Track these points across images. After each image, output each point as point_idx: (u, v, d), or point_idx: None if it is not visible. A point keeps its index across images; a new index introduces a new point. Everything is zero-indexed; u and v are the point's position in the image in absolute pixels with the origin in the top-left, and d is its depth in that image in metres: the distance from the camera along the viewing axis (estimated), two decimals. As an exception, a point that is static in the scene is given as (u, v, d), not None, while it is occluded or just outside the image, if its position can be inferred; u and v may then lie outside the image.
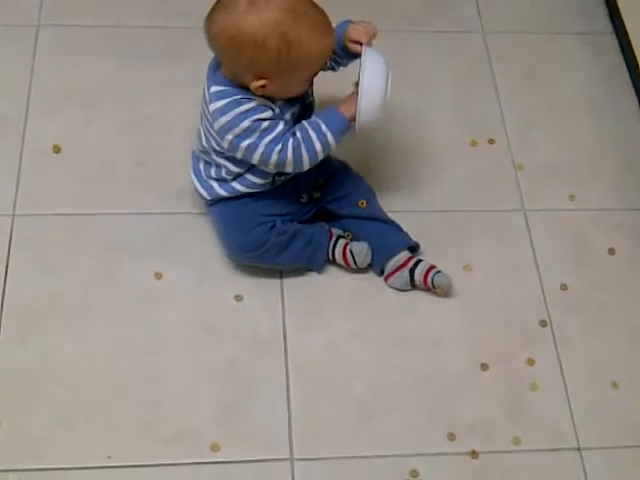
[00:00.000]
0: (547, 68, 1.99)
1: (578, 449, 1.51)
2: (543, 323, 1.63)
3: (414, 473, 1.45)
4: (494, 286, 1.67)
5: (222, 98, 1.45)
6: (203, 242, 1.66)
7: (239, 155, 1.48)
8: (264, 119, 1.44)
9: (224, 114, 1.45)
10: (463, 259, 1.69)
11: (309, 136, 1.47)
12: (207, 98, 1.48)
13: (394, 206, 1.71)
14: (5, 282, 1.58)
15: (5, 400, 1.47)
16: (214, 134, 1.49)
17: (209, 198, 1.59)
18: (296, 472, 1.45)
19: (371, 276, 1.65)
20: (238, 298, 1.61)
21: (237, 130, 1.44)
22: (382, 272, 1.63)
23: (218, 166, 1.55)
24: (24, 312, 1.56)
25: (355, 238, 1.64)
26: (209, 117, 1.48)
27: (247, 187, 1.55)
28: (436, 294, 1.63)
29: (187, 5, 1.99)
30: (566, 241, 1.74)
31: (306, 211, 1.64)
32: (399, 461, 1.47)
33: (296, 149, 1.46)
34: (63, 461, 1.43)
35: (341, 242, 1.62)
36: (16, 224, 1.65)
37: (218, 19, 1.41)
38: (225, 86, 1.46)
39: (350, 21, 1.53)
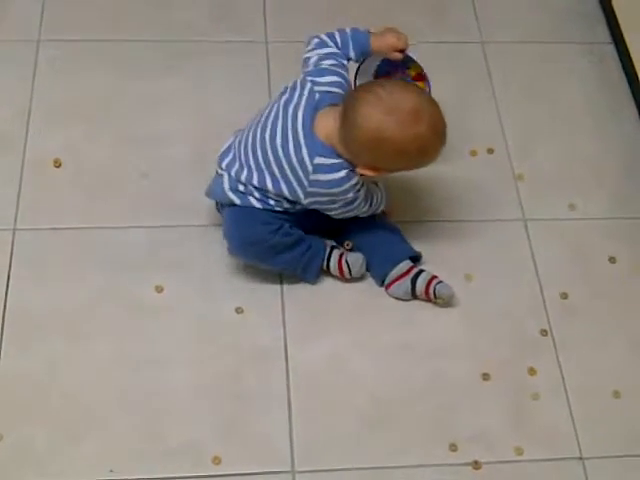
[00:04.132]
0: (546, 78, 2.00)
1: (580, 458, 1.51)
2: (544, 332, 1.63)
3: (417, 484, 1.46)
4: (495, 296, 1.67)
5: (331, 172, 1.49)
6: (204, 255, 1.66)
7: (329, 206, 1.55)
8: (360, 188, 1.54)
9: (334, 187, 1.50)
10: (464, 269, 1.69)
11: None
12: (308, 166, 1.48)
13: (395, 216, 1.72)
14: (6, 295, 1.58)
15: (7, 414, 1.48)
16: (303, 190, 1.51)
17: (240, 203, 1.57)
18: (298, 484, 1.45)
19: (371, 287, 1.65)
20: (239, 310, 1.61)
21: (344, 199, 1.53)
22: (383, 282, 1.64)
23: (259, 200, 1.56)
24: (26, 325, 1.56)
25: (358, 246, 1.65)
26: (305, 180, 1.49)
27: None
28: (436, 304, 1.63)
29: (187, 19, 2.00)
30: (567, 250, 1.74)
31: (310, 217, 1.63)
32: (401, 473, 1.47)
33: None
34: (65, 475, 1.43)
35: (336, 252, 1.63)
36: (17, 238, 1.65)
37: (375, 116, 1.43)
38: (331, 158, 1.49)
39: (356, 29, 1.59)
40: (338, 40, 1.57)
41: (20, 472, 1.43)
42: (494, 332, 1.62)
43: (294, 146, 1.49)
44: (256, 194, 1.55)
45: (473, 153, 1.85)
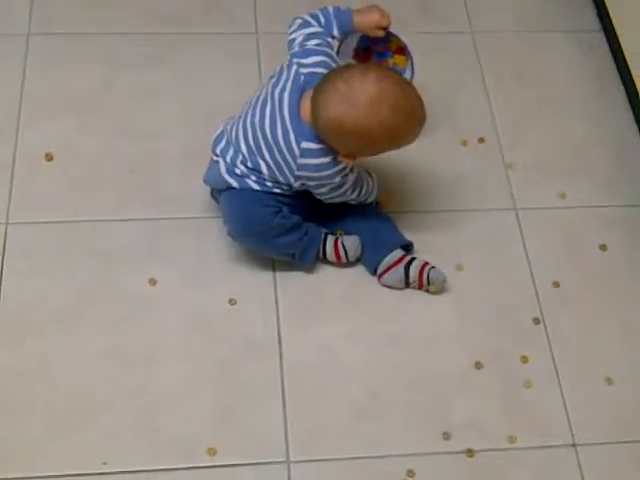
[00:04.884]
0: (536, 66, 2.00)
1: (573, 445, 1.51)
2: (536, 320, 1.64)
3: (410, 473, 1.46)
4: (487, 285, 1.67)
5: (318, 157, 1.49)
6: (196, 247, 1.66)
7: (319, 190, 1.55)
8: (348, 173, 1.53)
9: (321, 171, 1.50)
10: (455, 259, 1.69)
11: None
12: (295, 150, 1.48)
13: (387, 207, 1.72)
14: (-1, 290, 1.59)
15: None
16: (291, 173, 1.51)
17: (238, 187, 1.57)
18: (292, 474, 1.45)
19: (364, 277, 1.65)
20: (232, 302, 1.61)
21: (331, 183, 1.53)
22: (375, 271, 1.64)
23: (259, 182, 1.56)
24: (18, 319, 1.56)
25: (349, 233, 1.65)
26: (292, 164, 1.49)
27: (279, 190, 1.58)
28: (428, 292, 1.63)
29: (177, 11, 2.00)
30: (558, 239, 1.75)
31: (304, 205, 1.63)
32: (395, 461, 1.47)
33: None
34: (58, 468, 1.43)
35: (330, 238, 1.64)
36: (9, 232, 1.65)
37: (335, 106, 1.41)
38: (318, 144, 1.48)
39: (338, 7, 1.60)
40: (322, 19, 1.58)
41: (12, 466, 1.43)
42: (486, 321, 1.63)
43: (282, 130, 1.49)
44: (253, 177, 1.55)
45: (464, 143, 1.86)
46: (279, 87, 1.51)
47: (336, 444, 1.48)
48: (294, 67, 1.51)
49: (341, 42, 1.66)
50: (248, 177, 1.55)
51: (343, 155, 1.48)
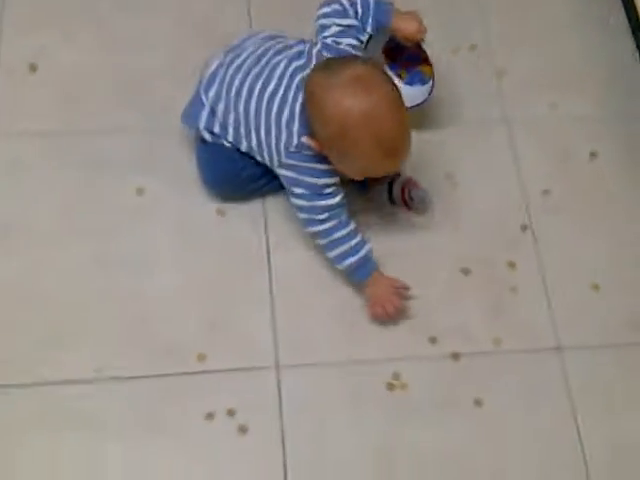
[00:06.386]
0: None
1: (558, 348, 1.53)
2: (524, 227, 1.64)
3: (396, 376, 1.48)
4: (476, 194, 1.67)
5: (311, 155, 1.44)
6: (185, 157, 1.65)
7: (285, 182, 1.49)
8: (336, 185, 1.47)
9: (310, 162, 1.45)
10: (445, 168, 1.69)
11: (343, 252, 1.49)
12: (294, 139, 1.44)
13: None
14: (-13, 203, 1.59)
15: (-11, 320, 1.49)
16: (279, 159, 1.46)
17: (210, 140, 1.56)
18: (282, 378, 1.47)
19: (352, 195, 1.63)
20: (220, 212, 1.61)
21: (311, 183, 1.46)
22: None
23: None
24: (5, 232, 1.56)
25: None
26: (283, 152, 1.45)
27: None
28: (417, 212, 1.62)
29: None
30: (548, 148, 1.74)
31: None
32: (381, 365, 1.50)
33: (330, 236, 1.49)
34: (51, 375, 1.45)
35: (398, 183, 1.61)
36: (-6, 144, 1.64)
37: (317, 76, 1.39)
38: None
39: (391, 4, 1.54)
40: (359, 10, 1.51)
41: (8, 374, 1.45)
42: (474, 228, 1.63)
43: (288, 116, 1.45)
44: (229, 138, 1.53)
45: (455, 51, 1.83)
46: (294, 65, 1.47)
47: (324, 349, 1.50)
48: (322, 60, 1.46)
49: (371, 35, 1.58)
50: (224, 138, 1.53)
51: (310, 135, 1.42)
